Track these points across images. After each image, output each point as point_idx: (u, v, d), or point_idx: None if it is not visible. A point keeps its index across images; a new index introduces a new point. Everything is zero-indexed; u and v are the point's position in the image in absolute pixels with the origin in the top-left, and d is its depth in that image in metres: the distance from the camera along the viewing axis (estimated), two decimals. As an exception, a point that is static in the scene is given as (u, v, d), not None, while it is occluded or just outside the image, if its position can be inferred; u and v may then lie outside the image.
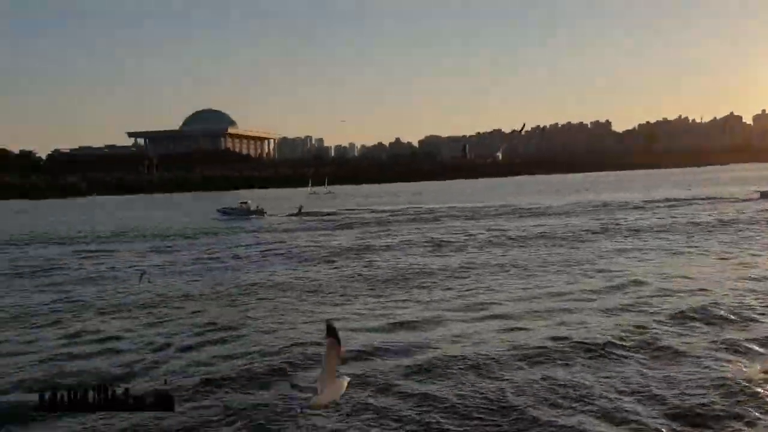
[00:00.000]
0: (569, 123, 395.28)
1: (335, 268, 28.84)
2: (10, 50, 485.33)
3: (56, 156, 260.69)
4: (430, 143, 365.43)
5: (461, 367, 13.84)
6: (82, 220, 73.78)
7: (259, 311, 20.30)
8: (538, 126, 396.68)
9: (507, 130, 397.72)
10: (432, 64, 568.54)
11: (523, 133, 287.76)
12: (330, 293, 22.91)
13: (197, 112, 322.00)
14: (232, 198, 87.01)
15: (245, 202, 65.93)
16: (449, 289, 22.97)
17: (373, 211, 66.70)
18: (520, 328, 17.14)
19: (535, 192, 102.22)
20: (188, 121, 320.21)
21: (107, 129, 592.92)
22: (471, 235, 40.85)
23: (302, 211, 65.60)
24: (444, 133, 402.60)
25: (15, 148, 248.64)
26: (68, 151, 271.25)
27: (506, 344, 15.56)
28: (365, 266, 28.87)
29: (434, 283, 24.29)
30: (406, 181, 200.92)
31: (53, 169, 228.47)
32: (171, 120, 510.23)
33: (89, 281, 27.17)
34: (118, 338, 17.14)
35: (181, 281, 26.42)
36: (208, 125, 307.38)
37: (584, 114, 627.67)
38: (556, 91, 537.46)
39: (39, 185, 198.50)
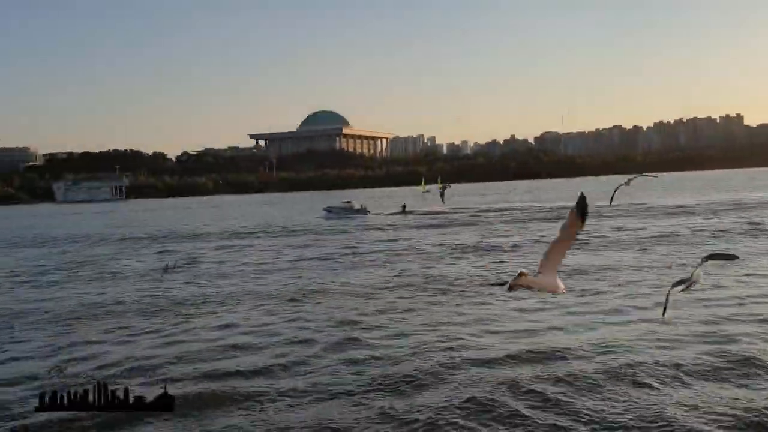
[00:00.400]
0: (695, 118, 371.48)
1: (467, 265, 27.75)
2: (139, 58, 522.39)
3: (185, 157, 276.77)
4: (547, 140, 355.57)
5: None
6: (215, 216, 78.09)
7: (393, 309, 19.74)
8: (660, 121, 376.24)
9: (627, 126, 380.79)
10: (549, 59, 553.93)
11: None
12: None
13: (314, 114, 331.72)
14: (347, 196, 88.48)
15: (349, 201, 66.92)
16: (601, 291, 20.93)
17: (483, 210, 64.76)
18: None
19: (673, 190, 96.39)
20: (305, 122, 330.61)
21: (230, 131, 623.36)
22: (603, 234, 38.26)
23: (406, 209, 65.85)
24: (562, 129, 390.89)
25: (148, 150, 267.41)
26: (196, 152, 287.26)
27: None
28: (486, 264, 27.71)
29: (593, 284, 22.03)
30: (523, 178, 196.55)
31: (182, 169, 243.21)
32: (290, 121, 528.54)
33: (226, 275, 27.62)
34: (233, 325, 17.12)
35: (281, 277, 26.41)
36: (324, 126, 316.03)
37: (713, 108, 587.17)
38: (681, 84, 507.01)
39: (170, 184, 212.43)
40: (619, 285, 21.56)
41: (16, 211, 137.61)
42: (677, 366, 12.78)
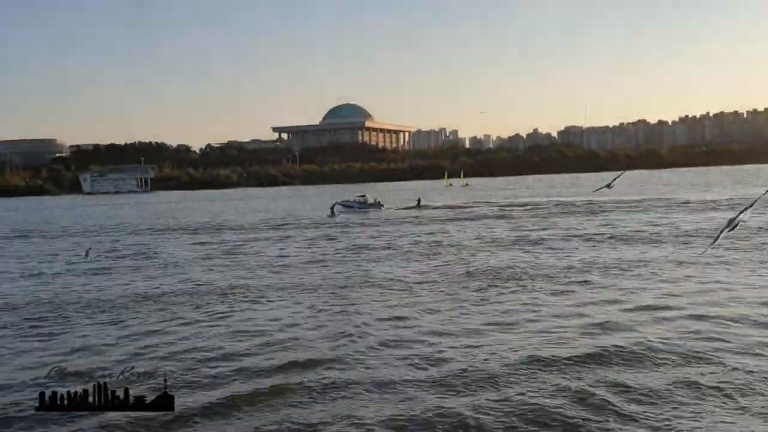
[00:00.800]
0: (722, 112, 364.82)
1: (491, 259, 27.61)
2: (162, 51, 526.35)
3: (209, 150, 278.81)
4: (570, 134, 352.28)
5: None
6: (242, 208, 78.80)
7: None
8: (685, 116, 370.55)
9: (653, 120, 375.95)
10: (573, 52, 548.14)
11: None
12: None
13: (336, 107, 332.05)
14: (370, 189, 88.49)
15: (363, 195, 67.17)
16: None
17: (507, 205, 64.05)
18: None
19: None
20: (328, 115, 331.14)
21: (253, 124, 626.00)
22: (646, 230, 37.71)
23: (421, 204, 66.01)
24: (584, 123, 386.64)
25: (173, 143, 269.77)
26: (219, 145, 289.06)
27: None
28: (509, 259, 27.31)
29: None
30: (546, 173, 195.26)
31: (206, 162, 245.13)
32: (312, 115, 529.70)
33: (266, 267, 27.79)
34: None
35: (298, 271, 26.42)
36: (347, 119, 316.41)
37: (740, 103, 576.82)
38: (706, 79, 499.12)
39: (195, 177, 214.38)
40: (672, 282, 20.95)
41: (44, 202, 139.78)
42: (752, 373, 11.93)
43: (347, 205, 64.65)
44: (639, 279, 21.62)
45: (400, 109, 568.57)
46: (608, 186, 20.57)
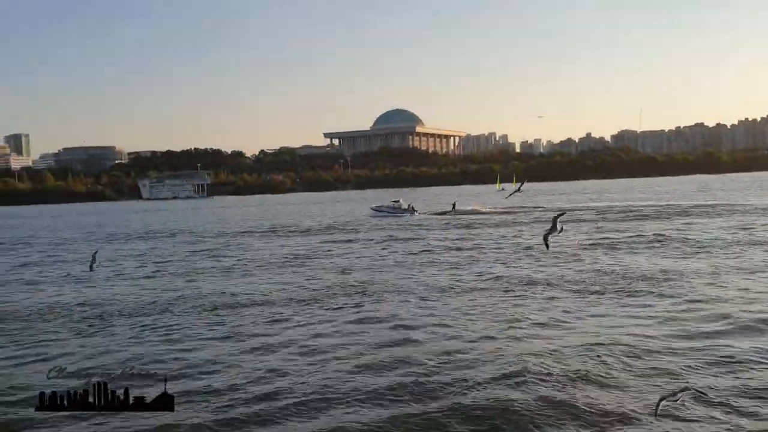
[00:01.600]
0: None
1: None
2: (218, 59, 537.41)
3: (262, 156, 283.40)
4: (625, 138, 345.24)
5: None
6: (299, 212, 79.80)
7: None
8: (745, 119, 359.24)
9: (710, 124, 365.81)
10: (626, 55, 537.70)
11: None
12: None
13: (387, 112, 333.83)
14: (423, 193, 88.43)
15: (397, 201, 67.25)
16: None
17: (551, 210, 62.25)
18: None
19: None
20: (379, 121, 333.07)
21: (305, 130, 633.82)
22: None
23: (456, 208, 65.68)
24: (639, 127, 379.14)
25: (227, 149, 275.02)
26: (272, 151, 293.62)
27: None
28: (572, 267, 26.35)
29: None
30: (601, 177, 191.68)
31: (260, 168, 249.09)
32: (362, 121, 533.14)
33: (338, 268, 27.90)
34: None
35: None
36: (397, 124, 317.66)
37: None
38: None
39: (250, 182, 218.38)
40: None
41: (106, 207, 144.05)
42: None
43: (379, 210, 64.97)
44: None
45: (449, 114, 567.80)
46: (518, 191, 24.00)
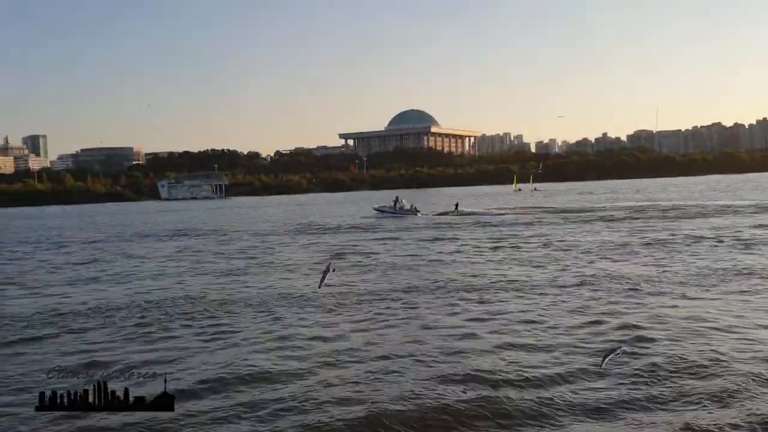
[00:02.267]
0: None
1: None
2: (231, 61, 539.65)
3: (278, 156, 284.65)
4: (641, 138, 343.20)
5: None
6: (319, 212, 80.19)
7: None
8: (763, 118, 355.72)
9: (728, 123, 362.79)
10: (640, 54, 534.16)
11: None
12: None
13: (402, 113, 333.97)
14: (438, 194, 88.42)
15: (398, 200, 67.13)
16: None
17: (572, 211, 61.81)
18: None
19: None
20: (393, 121, 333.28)
21: (319, 131, 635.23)
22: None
23: (459, 209, 65.49)
24: (656, 127, 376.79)
25: (243, 150, 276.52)
26: (288, 152, 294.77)
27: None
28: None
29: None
30: (619, 177, 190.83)
31: (276, 168, 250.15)
32: (376, 122, 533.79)
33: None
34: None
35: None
36: (412, 124, 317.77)
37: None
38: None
39: (267, 183, 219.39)
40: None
41: (127, 207, 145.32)
42: None
43: (381, 210, 65.05)
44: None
45: (463, 115, 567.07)
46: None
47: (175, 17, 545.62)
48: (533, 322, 16.40)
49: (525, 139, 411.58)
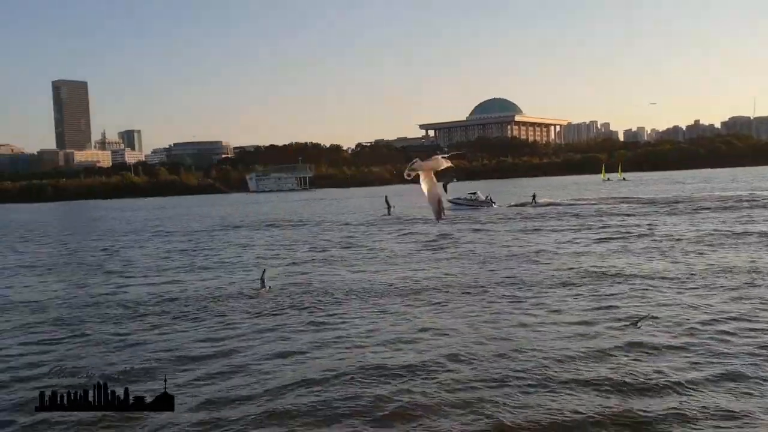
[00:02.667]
0: None
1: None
2: (316, 59, 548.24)
3: (359, 149, 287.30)
4: (737, 124, 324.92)
5: None
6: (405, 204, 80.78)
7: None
8: None
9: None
10: (734, 36, 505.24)
11: None
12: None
13: (484, 102, 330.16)
14: (521, 184, 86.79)
15: (474, 193, 66.15)
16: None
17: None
18: None
19: None
20: (476, 111, 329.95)
21: (399, 122, 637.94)
22: None
23: (536, 199, 64.35)
24: (753, 113, 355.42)
25: (326, 143, 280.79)
26: (369, 144, 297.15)
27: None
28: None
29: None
30: (713, 166, 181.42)
31: (358, 161, 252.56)
32: (457, 112, 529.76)
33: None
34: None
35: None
36: (496, 114, 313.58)
37: None
38: None
39: (350, 175, 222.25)
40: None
41: (219, 199, 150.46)
42: None
43: (457, 203, 63.97)
44: None
45: (549, 103, 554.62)
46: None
47: (263, 17, 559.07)
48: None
49: (612, 127, 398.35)
